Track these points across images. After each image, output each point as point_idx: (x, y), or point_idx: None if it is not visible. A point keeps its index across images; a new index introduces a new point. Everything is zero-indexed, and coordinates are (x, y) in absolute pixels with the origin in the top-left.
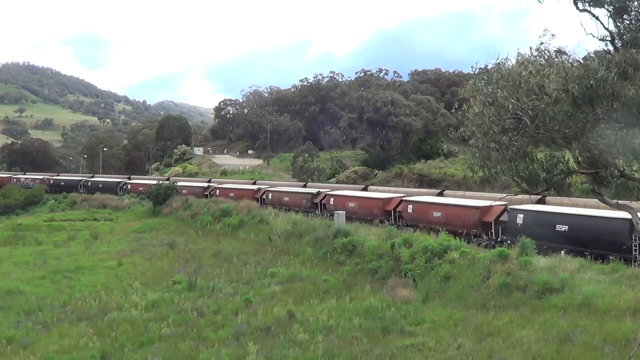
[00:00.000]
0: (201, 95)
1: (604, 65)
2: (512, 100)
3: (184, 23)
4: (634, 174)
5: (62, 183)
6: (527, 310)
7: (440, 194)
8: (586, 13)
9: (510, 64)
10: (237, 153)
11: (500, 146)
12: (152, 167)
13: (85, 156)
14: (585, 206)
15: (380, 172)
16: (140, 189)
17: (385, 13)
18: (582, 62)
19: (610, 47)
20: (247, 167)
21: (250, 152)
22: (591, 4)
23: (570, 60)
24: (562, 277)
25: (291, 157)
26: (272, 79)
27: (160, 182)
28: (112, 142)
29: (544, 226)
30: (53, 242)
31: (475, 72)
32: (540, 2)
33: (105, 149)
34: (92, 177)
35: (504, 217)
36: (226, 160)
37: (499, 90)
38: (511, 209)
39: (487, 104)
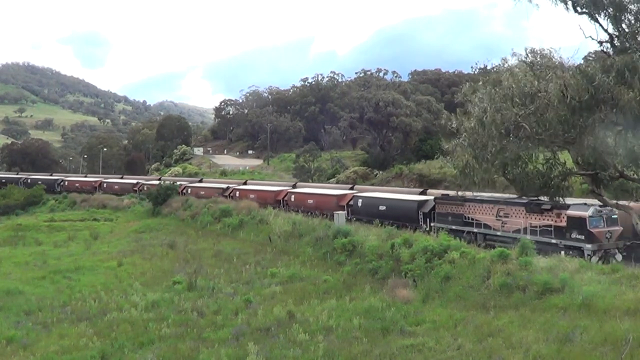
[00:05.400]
0: (201, 95)
1: (601, 71)
2: (504, 110)
3: (184, 23)
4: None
5: (3, 180)
6: (527, 311)
7: (294, 187)
8: (585, 15)
9: (511, 63)
10: (237, 153)
11: (496, 151)
12: (152, 167)
13: (85, 156)
14: (395, 192)
15: (381, 172)
16: (77, 185)
17: (389, 11)
18: (580, 65)
19: (610, 50)
20: (247, 167)
21: (250, 152)
22: (590, 8)
23: (566, 64)
24: (562, 277)
25: (291, 157)
26: (273, 78)
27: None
28: (112, 142)
29: (373, 207)
30: (53, 243)
31: (475, 72)
32: (537, 6)
33: (105, 149)
34: (31, 175)
35: (352, 202)
36: (226, 160)
37: (494, 97)
38: (354, 195)
39: (482, 111)
